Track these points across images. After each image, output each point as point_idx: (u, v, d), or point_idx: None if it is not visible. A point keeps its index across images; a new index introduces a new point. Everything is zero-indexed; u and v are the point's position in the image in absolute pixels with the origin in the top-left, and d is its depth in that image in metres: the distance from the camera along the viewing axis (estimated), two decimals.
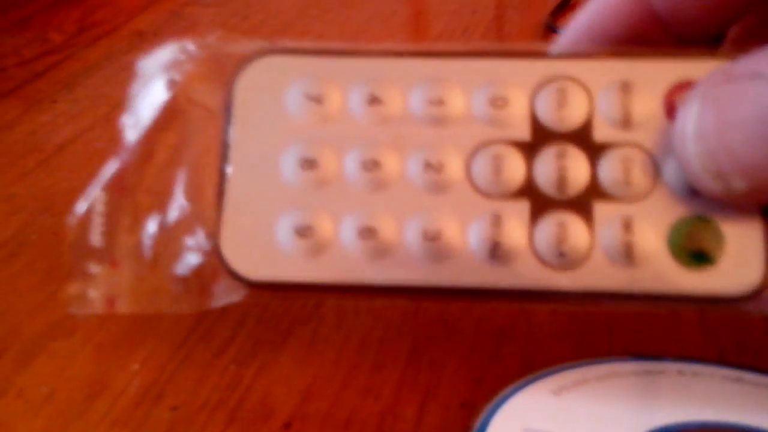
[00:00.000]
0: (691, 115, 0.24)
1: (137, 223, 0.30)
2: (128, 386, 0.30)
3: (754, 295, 0.26)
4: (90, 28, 0.62)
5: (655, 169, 0.27)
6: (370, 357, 0.31)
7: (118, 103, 0.50)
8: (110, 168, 0.30)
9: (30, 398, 0.29)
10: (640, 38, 0.29)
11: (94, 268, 0.29)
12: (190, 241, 0.29)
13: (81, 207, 0.30)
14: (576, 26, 0.30)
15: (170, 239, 0.30)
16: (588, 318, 0.32)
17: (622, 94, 0.27)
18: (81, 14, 0.64)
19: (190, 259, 0.29)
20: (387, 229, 0.27)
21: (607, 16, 0.29)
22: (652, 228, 0.26)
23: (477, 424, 0.25)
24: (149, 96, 0.31)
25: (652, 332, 0.32)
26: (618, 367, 0.28)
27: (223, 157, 0.29)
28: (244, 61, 0.29)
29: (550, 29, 0.61)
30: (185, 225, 0.30)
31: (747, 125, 0.22)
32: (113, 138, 0.45)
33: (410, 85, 0.29)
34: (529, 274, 0.27)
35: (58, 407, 0.29)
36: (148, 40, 0.60)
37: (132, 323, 0.32)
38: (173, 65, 0.31)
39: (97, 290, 0.29)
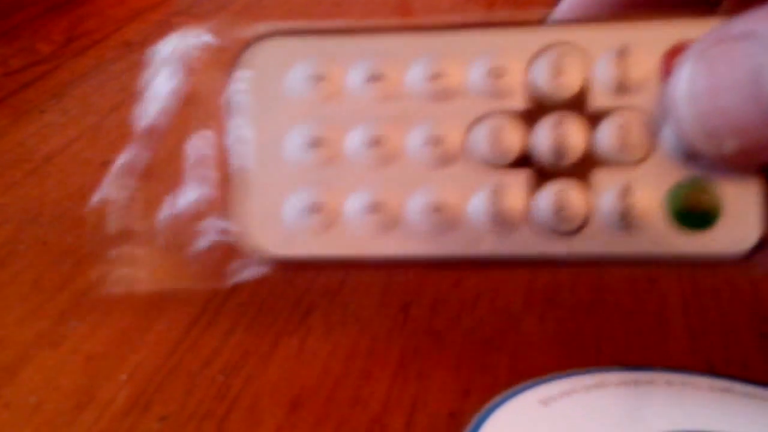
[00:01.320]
0: (684, 77, 0.24)
1: (153, 207, 0.31)
2: (116, 397, 0.30)
3: (752, 255, 0.26)
4: (78, 38, 0.62)
5: (653, 133, 0.27)
6: (358, 367, 0.31)
7: (106, 113, 0.50)
8: (125, 156, 0.32)
9: (17, 409, 0.29)
10: (639, 2, 0.29)
11: (114, 252, 0.32)
12: (205, 221, 0.31)
13: (98, 195, 0.32)
14: None
15: (186, 221, 0.31)
16: (576, 328, 0.32)
17: (618, 59, 0.27)
18: (69, 24, 0.64)
19: (206, 239, 0.31)
20: (392, 203, 0.28)
21: None
22: (650, 192, 0.27)
23: None
24: (160, 83, 0.32)
25: (641, 342, 0.32)
26: (606, 378, 0.28)
27: (232, 139, 0.29)
28: (247, 44, 0.30)
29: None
30: (200, 206, 0.31)
31: (739, 86, 0.22)
32: (102, 148, 0.45)
33: (409, 60, 0.29)
34: (530, 241, 0.28)
35: (45, 418, 0.29)
36: (136, 50, 0.60)
37: (120, 334, 0.32)
38: (182, 52, 0.32)
39: (118, 272, 0.31)
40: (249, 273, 0.30)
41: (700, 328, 0.32)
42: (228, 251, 0.30)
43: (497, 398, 0.27)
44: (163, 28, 0.63)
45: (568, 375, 0.28)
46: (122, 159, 0.32)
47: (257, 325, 0.33)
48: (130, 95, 0.52)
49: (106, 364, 0.31)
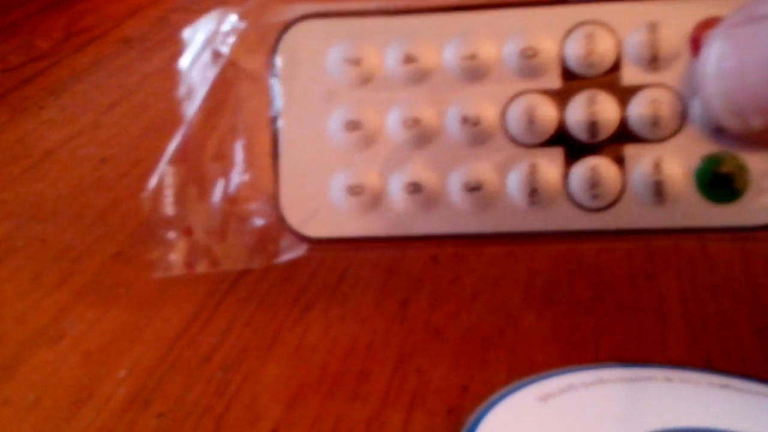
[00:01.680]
0: (712, 55, 0.24)
1: (205, 192, 0.33)
2: (115, 393, 0.30)
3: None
4: (77, 35, 0.62)
5: (683, 109, 0.28)
6: (357, 364, 0.31)
7: (105, 109, 0.50)
8: (174, 142, 0.33)
9: (16, 406, 0.29)
10: None
11: (171, 235, 0.32)
12: (253, 204, 0.32)
13: (152, 181, 0.33)
14: None
15: (235, 204, 0.33)
16: (574, 324, 0.32)
17: (649, 35, 0.28)
18: (68, 21, 0.64)
19: (255, 221, 0.32)
20: (431, 182, 0.30)
21: None
22: (681, 166, 0.28)
23: (464, 430, 0.25)
24: (199, 68, 0.33)
25: (639, 339, 0.32)
26: (605, 374, 0.28)
27: (274, 123, 0.31)
28: (283, 27, 0.31)
29: None
30: (248, 190, 0.33)
31: (765, 65, 0.22)
32: (101, 144, 0.45)
33: (443, 40, 0.30)
34: (565, 217, 0.29)
35: (44, 414, 0.29)
36: (134, 46, 0.60)
37: (118, 330, 0.32)
38: (218, 36, 0.33)
39: (176, 255, 0.32)
40: (295, 252, 0.32)
41: (698, 324, 0.32)
42: (276, 232, 0.32)
43: (496, 394, 0.27)
44: (161, 25, 0.63)
45: (567, 371, 0.28)
46: (173, 145, 0.33)
47: (256, 321, 0.33)
48: (128, 92, 0.52)
49: (104, 361, 0.31)
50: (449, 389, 0.30)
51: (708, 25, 0.27)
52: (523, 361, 0.31)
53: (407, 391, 0.30)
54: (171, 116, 0.49)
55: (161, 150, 0.45)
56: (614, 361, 0.30)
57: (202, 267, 0.33)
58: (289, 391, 0.30)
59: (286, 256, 0.32)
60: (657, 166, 0.28)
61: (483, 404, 0.26)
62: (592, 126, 0.28)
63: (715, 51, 0.24)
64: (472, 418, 0.26)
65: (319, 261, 0.36)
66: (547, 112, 0.29)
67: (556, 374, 0.28)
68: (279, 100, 0.31)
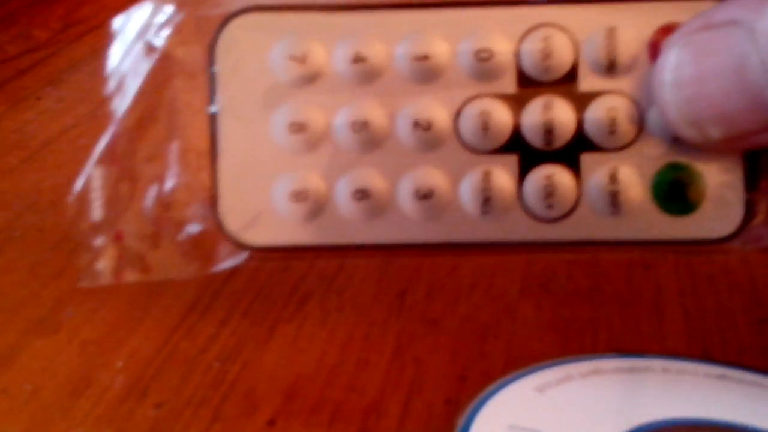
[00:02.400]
0: (669, 63, 0.24)
1: (137, 194, 0.31)
2: (112, 383, 0.30)
3: (734, 237, 0.27)
4: (74, 25, 0.62)
5: (640, 117, 0.27)
6: (354, 354, 0.31)
7: (103, 100, 0.50)
8: (102, 141, 0.31)
9: (14, 396, 0.29)
10: None
11: (99, 241, 0.30)
12: (190, 208, 0.30)
13: (78, 183, 0.30)
14: None
15: (170, 208, 0.31)
16: (572, 315, 0.32)
17: (607, 40, 0.28)
18: (65, 11, 0.64)
19: (192, 227, 0.30)
20: (380, 189, 0.29)
21: None
22: (637, 177, 0.28)
23: (461, 421, 0.25)
24: (131, 62, 0.31)
25: (637, 329, 0.32)
26: (602, 364, 0.28)
27: (212, 122, 0.29)
28: (224, 20, 0.29)
29: None
30: (184, 193, 0.30)
31: (723, 74, 0.22)
32: (98, 135, 0.45)
33: (395, 39, 0.29)
34: (519, 227, 0.28)
35: (42, 405, 0.29)
36: None
37: (116, 320, 0.32)
38: (151, 27, 0.31)
39: (105, 262, 0.30)
40: (234, 261, 0.30)
41: (696, 315, 0.32)
42: (214, 238, 0.30)
43: (493, 385, 0.27)
44: None
45: (564, 362, 0.28)
46: (101, 145, 0.31)
47: (253, 312, 0.33)
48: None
49: (102, 351, 0.31)
50: (447, 379, 0.30)
51: (667, 30, 0.27)
52: (521, 351, 0.31)
53: (405, 381, 0.30)
54: (169, 105, 0.49)
55: (160, 139, 0.45)
56: (612, 351, 0.30)
57: (132, 276, 0.31)
58: (287, 382, 0.30)
59: (224, 265, 0.30)
60: (613, 176, 0.28)
61: (480, 394, 0.26)
62: (548, 133, 0.28)
63: (672, 58, 0.24)
64: (469, 408, 0.26)
65: (317, 251, 0.36)
66: (502, 118, 0.28)
67: (554, 365, 0.28)
68: (218, 98, 0.29)
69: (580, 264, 0.34)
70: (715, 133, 0.24)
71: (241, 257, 0.30)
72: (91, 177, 0.31)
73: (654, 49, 0.27)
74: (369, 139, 0.29)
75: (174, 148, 0.31)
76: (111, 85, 0.31)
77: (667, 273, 0.34)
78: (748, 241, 0.28)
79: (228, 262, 0.30)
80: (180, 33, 0.30)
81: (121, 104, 0.31)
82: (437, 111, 0.28)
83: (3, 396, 0.29)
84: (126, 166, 0.31)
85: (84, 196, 0.30)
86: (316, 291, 0.34)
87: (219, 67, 0.29)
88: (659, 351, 0.30)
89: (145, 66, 0.31)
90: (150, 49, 0.31)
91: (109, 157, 0.31)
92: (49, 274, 0.35)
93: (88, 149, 0.44)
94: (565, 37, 0.28)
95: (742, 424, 0.25)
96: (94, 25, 0.61)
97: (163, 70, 0.31)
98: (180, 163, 0.31)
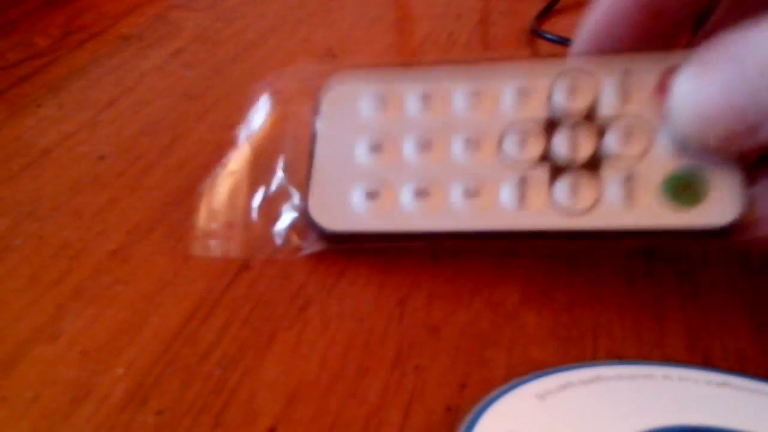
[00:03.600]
0: (678, 93, 0.30)
1: (249, 194, 0.39)
2: (113, 391, 0.30)
3: (734, 227, 0.31)
4: (75, 32, 0.62)
5: (651, 134, 0.33)
6: (355, 361, 0.31)
7: (103, 107, 0.50)
8: (231, 156, 0.41)
9: (14, 403, 0.29)
10: (641, 38, 0.34)
11: (215, 225, 0.38)
12: (286, 206, 0.38)
13: (209, 182, 0.40)
14: (584, 33, 0.35)
15: (272, 205, 0.38)
16: (572, 322, 0.32)
17: (623, 78, 0.34)
18: (66, 18, 0.64)
19: (286, 219, 0.37)
20: (437, 190, 0.34)
21: (612, 22, 0.34)
22: (649, 179, 0.32)
23: (462, 428, 0.25)
24: (258, 110, 0.42)
25: (637, 336, 0.32)
26: (603, 372, 0.28)
27: (312, 145, 0.36)
28: (328, 79, 0.37)
29: (535, 34, 0.61)
30: (284, 195, 0.38)
31: (718, 101, 0.28)
32: (98, 142, 0.45)
33: (454, 85, 0.36)
34: (548, 219, 0.33)
35: (42, 412, 0.29)
36: (133, 44, 0.60)
37: (116, 327, 0.32)
38: (274, 87, 0.42)
39: (216, 240, 0.37)
40: (317, 247, 0.36)
41: (697, 322, 0.32)
42: (303, 229, 0.36)
43: (494, 392, 0.27)
44: (159, 23, 0.63)
45: (565, 369, 0.28)
46: (228, 157, 0.42)
47: (254, 319, 0.33)
48: (126, 89, 0.52)
49: (102, 358, 0.31)
50: (447, 387, 0.30)
51: (671, 71, 0.32)
52: (522, 358, 0.31)
53: (405, 388, 0.30)
54: (169, 114, 0.49)
55: (159, 147, 0.45)
56: (612, 358, 0.30)
57: (235, 253, 0.37)
58: (288, 389, 0.30)
59: (309, 250, 0.36)
60: (628, 179, 0.32)
61: (481, 402, 0.26)
62: (573, 151, 0.33)
63: (678, 90, 0.30)
64: (470, 415, 0.26)
65: (318, 259, 0.36)
66: (536, 140, 0.34)
67: (555, 372, 0.28)
68: (318, 128, 0.37)
69: (580, 271, 0.34)
70: (714, 142, 0.30)
71: (321, 245, 0.36)
72: (219, 179, 0.40)
73: (662, 85, 0.33)
74: (430, 156, 0.35)
75: (280, 163, 0.39)
76: (244, 126, 0.42)
77: (668, 280, 0.34)
78: (746, 230, 0.31)
79: (311, 248, 0.36)
80: (292, 90, 0.41)
81: (245, 134, 0.41)
82: (485, 133, 0.35)
83: (3, 403, 0.29)
84: (246, 174, 0.40)
85: (211, 190, 0.40)
86: (316, 298, 0.34)
87: (321, 109, 0.37)
88: (660, 358, 0.30)
89: (266, 111, 0.42)
90: (271, 100, 0.42)
91: (233, 167, 0.41)
92: (49, 281, 0.35)
93: (87, 157, 0.44)
94: (588, 77, 0.34)
95: (743, 431, 0.25)
96: (94, 33, 0.61)
97: (279, 114, 0.41)
98: (284, 173, 0.39)
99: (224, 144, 0.46)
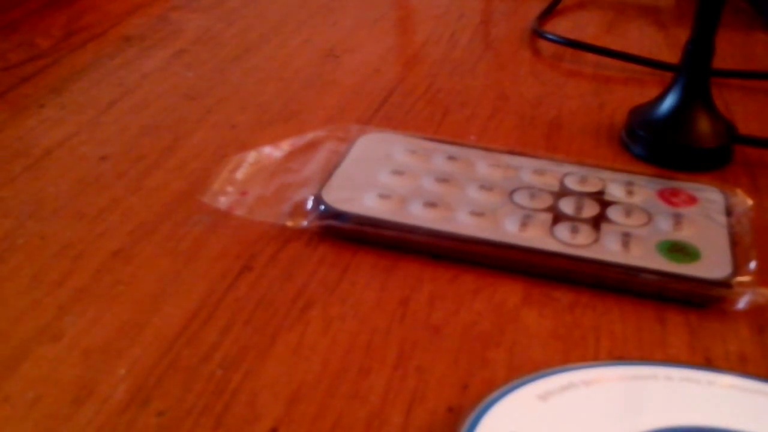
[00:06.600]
0: None
1: (271, 178, 0.43)
2: (115, 391, 0.30)
3: (727, 284, 0.33)
4: (77, 33, 0.62)
5: (651, 217, 0.37)
6: (357, 362, 0.31)
7: (105, 107, 0.50)
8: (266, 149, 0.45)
9: (16, 403, 0.29)
10: None
11: (230, 189, 0.41)
12: (302, 192, 0.41)
13: (242, 155, 0.44)
14: None
15: (287, 190, 0.41)
16: (574, 323, 0.32)
17: (628, 176, 0.41)
18: (68, 19, 0.64)
19: (296, 196, 0.41)
20: (444, 206, 0.38)
21: None
22: (644, 241, 0.36)
23: (464, 429, 0.25)
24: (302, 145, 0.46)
25: (640, 337, 0.32)
26: (605, 372, 0.28)
27: (339, 160, 0.42)
28: (363, 132, 0.45)
29: (537, 34, 0.61)
30: (301, 182, 0.42)
31: None
32: (100, 142, 0.45)
33: (479, 158, 0.42)
34: (546, 243, 0.35)
35: (44, 412, 0.29)
36: (134, 44, 0.60)
37: (118, 328, 0.32)
38: (318, 134, 0.47)
39: (226, 198, 0.40)
40: (319, 221, 0.38)
41: (698, 323, 0.32)
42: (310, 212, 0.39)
43: (495, 393, 0.27)
44: (161, 24, 0.63)
45: (567, 369, 0.28)
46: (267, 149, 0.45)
47: (256, 320, 0.33)
48: (128, 90, 0.52)
49: (104, 359, 0.31)
50: (449, 387, 0.30)
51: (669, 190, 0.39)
52: (523, 359, 0.31)
53: (407, 389, 0.30)
54: (171, 114, 0.49)
55: (161, 148, 0.45)
56: (614, 359, 0.30)
57: (241, 212, 0.40)
58: (289, 390, 0.30)
59: (308, 224, 0.38)
60: (626, 237, 0.36)
61: (483, 402, 0.26)
62: (578, 210, 0.38)
63: None
64: (472, 416, 0.26)
65: (319, 259, 0.36)
66: (545, 198, 0.39)
67: (556, 372, 0.28)
68: (347, 156, 0.43)
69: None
70: None
71: (327, 221, 0.38)
72: (249, 156, 0.44)
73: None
74: (445, 191, 0.39)
75: (310, 166, 0.44)
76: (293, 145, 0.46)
77: None
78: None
79: (312, 222, 0.38)
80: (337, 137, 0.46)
81: (285, 147, 0.46)
82: (498, 185, 0.40)
83: (5, 404, 0.29)
84: (276, 168, 0.44)
85: (240, 162, 0.43)
86: (318, 299, 0.34)
87: (353, 148, 0.43)
88: (662, 359, 0.30)
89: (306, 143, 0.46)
90: (313, 140, 0.46)
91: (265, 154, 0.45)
92: (51, 281, 0.35)
93: (89, 157, 0.44)
94: (598, 176, 0.41)
95: (745, 431, 0.25)
96: (96, 33, 0.62)
97: (316, 145, 0.46)
98: (316, 168, 0.43)
99: (225, 144, 0.46)
